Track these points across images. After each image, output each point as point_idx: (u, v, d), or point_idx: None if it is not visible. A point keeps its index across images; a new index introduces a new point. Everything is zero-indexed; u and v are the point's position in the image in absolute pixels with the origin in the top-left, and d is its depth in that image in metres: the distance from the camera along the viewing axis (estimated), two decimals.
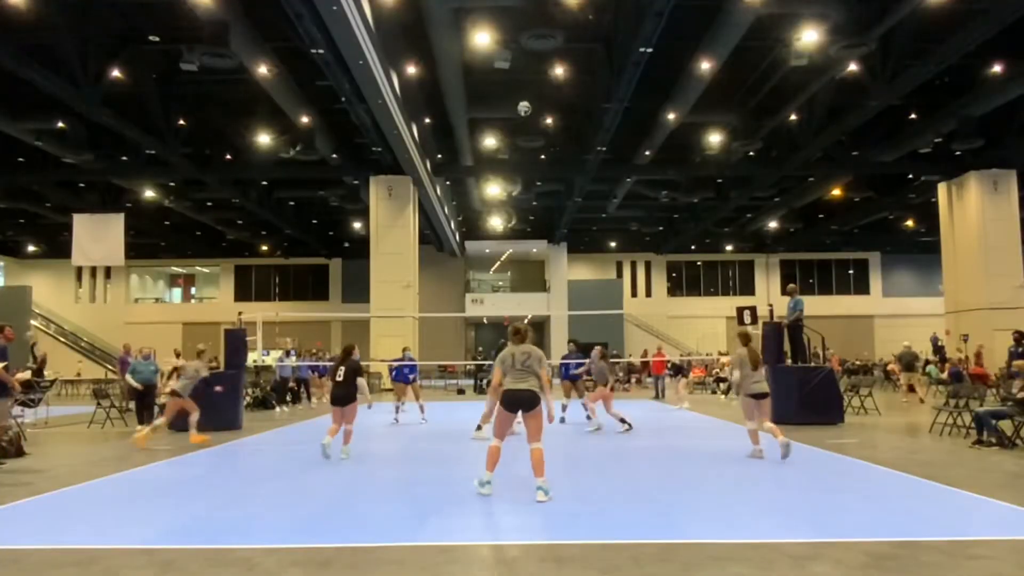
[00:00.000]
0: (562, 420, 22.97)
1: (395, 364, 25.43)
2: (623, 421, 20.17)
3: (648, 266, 70.66)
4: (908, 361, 32.26)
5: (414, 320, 41.33)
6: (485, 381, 37.27)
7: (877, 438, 17.94)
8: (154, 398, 21.54)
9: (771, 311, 24.46)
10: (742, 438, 17.98)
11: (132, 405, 23.50)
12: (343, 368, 15.50)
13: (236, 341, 22.62)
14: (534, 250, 65.66)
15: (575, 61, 31.52)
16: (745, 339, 15.31)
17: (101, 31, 28.50)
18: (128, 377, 21.78)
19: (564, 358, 25.18)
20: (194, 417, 18.35)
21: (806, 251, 68.56)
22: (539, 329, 66.90)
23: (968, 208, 41.95)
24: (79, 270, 64.71)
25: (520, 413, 11.14)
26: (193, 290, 74.96)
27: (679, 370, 31.50)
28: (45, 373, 33.21)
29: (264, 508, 10.51)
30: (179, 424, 19.75)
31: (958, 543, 8.14)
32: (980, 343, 36.63)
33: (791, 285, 24.02)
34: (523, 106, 33.40)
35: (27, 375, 24.73)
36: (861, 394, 24.61)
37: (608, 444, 17.42)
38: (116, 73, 29.80)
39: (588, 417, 21.42)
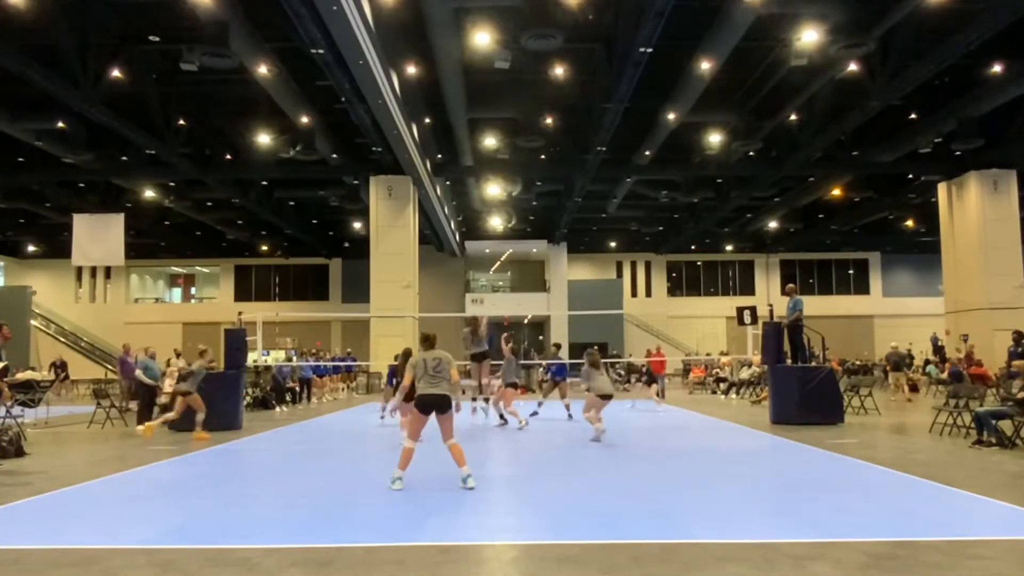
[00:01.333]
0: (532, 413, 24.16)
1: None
2: (501, 417, 21.93)
3: (648, 266, 70.73)
4: (896, 361, 32.50)
5: (414, 320, 41.28)
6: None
7: (877, 438, 17.95)
8: (155, 397, 21.67)
9: (771, 311, 24.46)
10: (742, 437, 18.12)
11: (133, 405, 23.56)
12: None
13: (236, 341, 22.60)
14: (534, 250, 65.66)
15: (575, 61, 31.49)
16: (590, 353, 19.11)
17: (101, 31, 28.46)
18: (139, 373, 21.87)
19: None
20: (200, 416, 18.63)
21: (806, 251, 68.59)
22: (539, 329, 66.94)
23: (968, 208, 41.92)
24: (79, 270, 64.76)
25: (434, 415, 11.85)
26: (193, 290, 75.01)
27: (652, 378, 31.10)
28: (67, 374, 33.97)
29: (264, 508, 10.54)
30: (180, 424, 19.77)
31: (958, 543, 8.15)
32: (971, 343, 36.61)
33: (790, 285, 24.06)
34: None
35: (28, 375, 24.74)
36: (861, 394, 24.62)
37: (608, 445, 17.42)
38: (116, 73, 29.77)
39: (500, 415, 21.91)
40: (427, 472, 12.85)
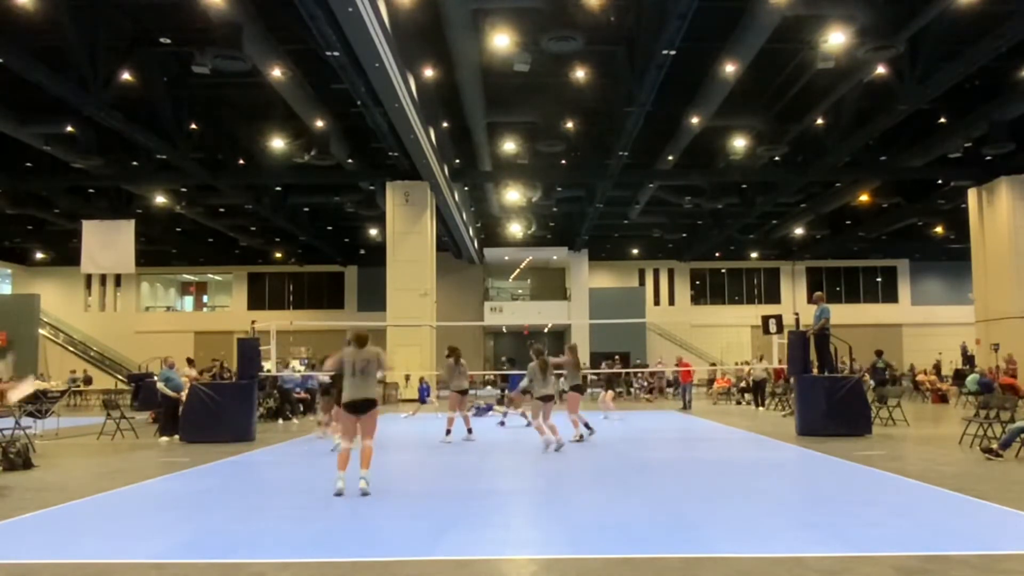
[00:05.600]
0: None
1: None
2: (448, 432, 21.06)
3: (671, 274, 70.46)
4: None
5: (431, 329, 41.32)
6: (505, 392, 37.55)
7: (906, 450, 17.90)
8: (178, 408, 21.68)
9: (797, 319, 24.37)
10: (767, 449, 18.02)
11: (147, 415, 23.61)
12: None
13: (249, 351, 22.58)
14: (554, 257, 65.65)
15: (596, 64, 31.47)
16: (538, 353, 19.04)
17: (111, 33, 28.50)
18: (161, 385, 21.92)
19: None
20: None
21: (833, 258, 68.23)
22: (560, 338, 66.84)
23: (999, 214, 41.70)
24: (88, 278, 64.99)
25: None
26: (205, 298, 75.28)
27: (609, 382, 31.11)
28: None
29: (277, 521, 10.54)
30: (193, 436, 19.79)
31: (989, 557, 8.12)
32: (1010, 352, 36.40)
33: (818, 293, 24.01)
34: None
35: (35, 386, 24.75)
36: (889, 405, 24.53)
37: (631, 456, 17.41)
38: (126, 76, 29.88)
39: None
40: (445, 484, 12.86)
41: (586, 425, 20.71)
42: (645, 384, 43.81)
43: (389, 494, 12.44)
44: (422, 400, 30.98)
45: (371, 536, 9.58)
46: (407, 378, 39.15)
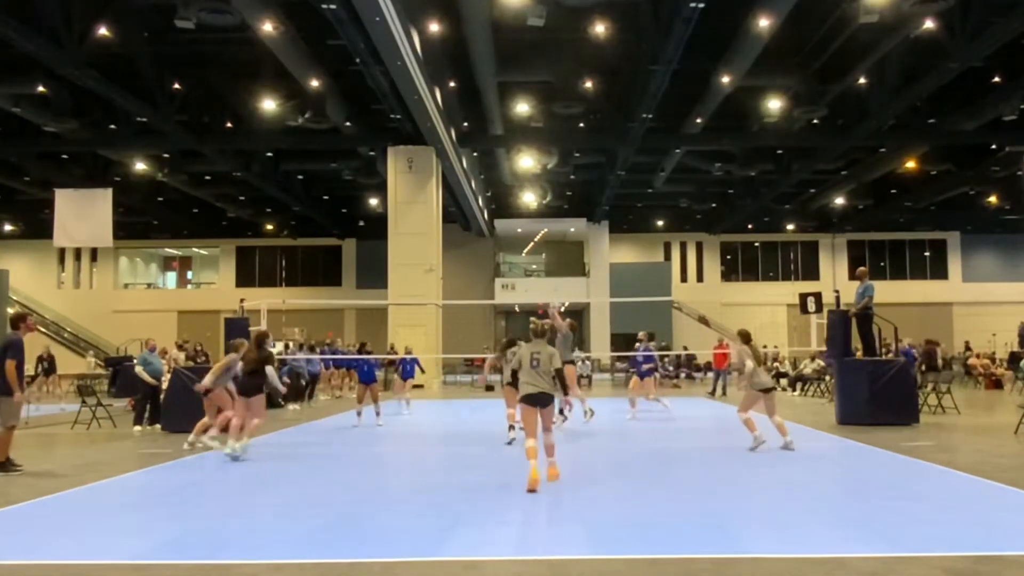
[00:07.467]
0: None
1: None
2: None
3: (699, 247, 70.37)
4: None
5: (437, 308, 41.29)
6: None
7: (957, 440, 17.90)
8: (158, 395, 21.72)
9: (837, 297, 24.36)
10: (805, 439, 18.00)
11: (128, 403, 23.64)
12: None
13: (238, 331, 22.51)
14: (572, 229, 65.58)
15: (618, 17, 31.30)
16: (746, 338, 17.73)
17: None
18: (139, 370, 21.93)
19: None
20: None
21: (876, 231, 68.03)
22: (577, 318, 66.78)
23: None
24: (62, 252, 65.01)
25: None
26: (189, 274, 75.25)
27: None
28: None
29: (270, 519, 10.55)
30: (175, 426, 19.85)
31: None
32: None
33: (861, 268, 23.81)
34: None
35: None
36: (939, 391, 24.47)
37: (656, 446, 17.41)
38: (103, 31, 29.74)
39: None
40: (452, 478, 12.86)
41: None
42: (671, 369, 43.76)
43: (390, 489, 12.46)
44: (407, 376, 29.66)
45: (371, 534, 9.60)
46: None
